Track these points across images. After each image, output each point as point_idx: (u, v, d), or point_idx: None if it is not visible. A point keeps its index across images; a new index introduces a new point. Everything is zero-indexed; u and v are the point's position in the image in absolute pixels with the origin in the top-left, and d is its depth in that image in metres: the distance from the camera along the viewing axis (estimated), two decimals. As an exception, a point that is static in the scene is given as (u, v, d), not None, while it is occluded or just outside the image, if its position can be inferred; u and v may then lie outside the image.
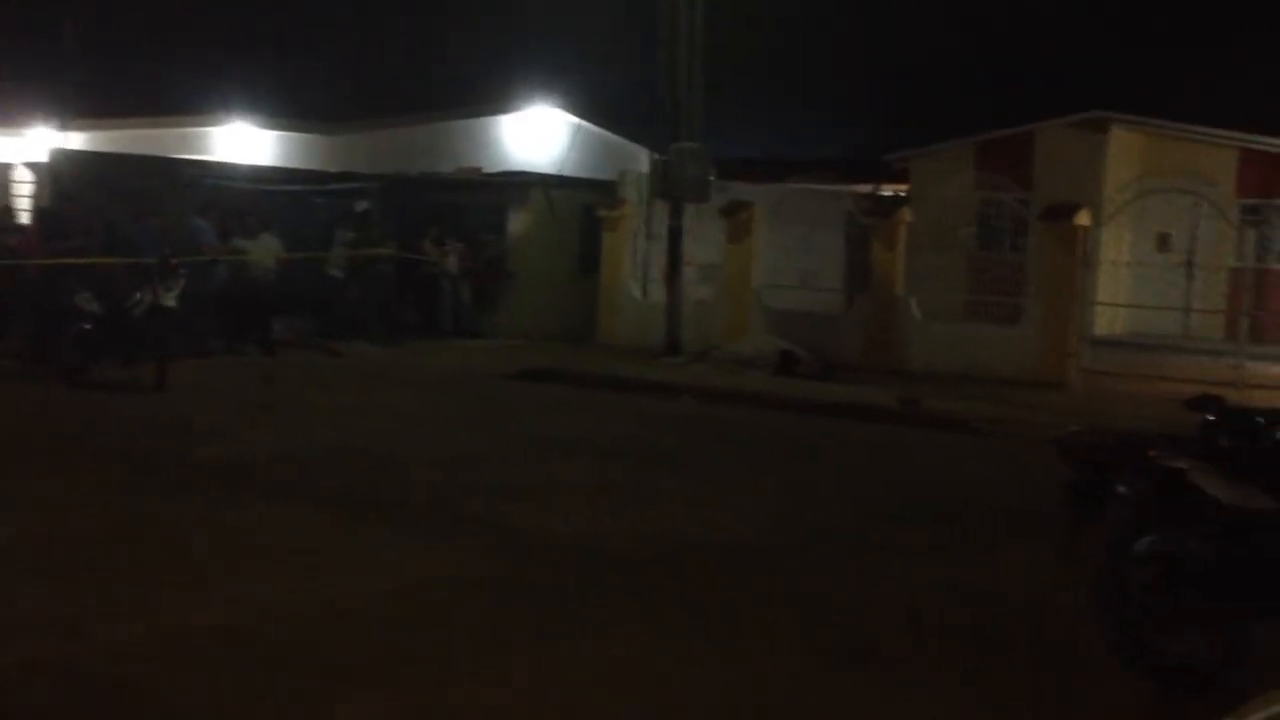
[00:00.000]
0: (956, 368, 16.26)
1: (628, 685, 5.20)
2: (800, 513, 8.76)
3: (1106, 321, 18.77)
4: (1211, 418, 5.52)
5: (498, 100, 28.55)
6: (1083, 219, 16.01)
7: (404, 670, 5.28)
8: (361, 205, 20.02)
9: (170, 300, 13.86)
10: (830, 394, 14.70)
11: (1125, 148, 21.33)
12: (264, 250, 17.80)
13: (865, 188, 26.26)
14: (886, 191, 25.35)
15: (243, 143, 25.43)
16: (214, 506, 8.26)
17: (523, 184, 21.64)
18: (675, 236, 18.21)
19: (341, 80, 30.41)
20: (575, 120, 28.18)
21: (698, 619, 6.13)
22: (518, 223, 21.07)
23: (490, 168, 24.81)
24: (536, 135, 28.18)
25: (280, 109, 26.21)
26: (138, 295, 13.87)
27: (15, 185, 22.02)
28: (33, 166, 21.50)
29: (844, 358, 17.07)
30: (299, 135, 25.84)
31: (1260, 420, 5.45)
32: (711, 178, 18.97)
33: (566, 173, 23.60)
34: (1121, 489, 5.24)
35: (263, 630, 5.74)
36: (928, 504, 9.19)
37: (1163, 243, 21.20)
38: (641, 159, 21.25)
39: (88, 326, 13.79)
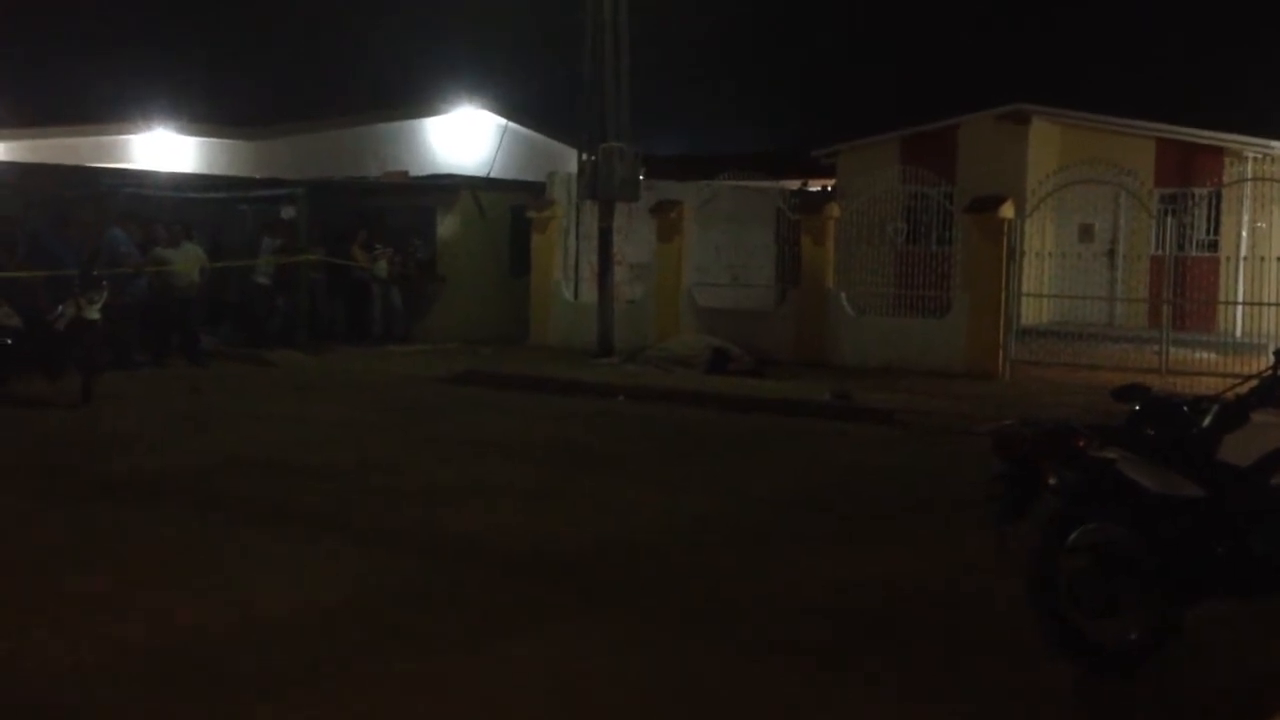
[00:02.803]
0: (887, 361, 16.41)
1: (559, 688, 5.17)
2: (731, 510, 8.78)
3: (1033, 312, 19.02)
4: (1138, 407, 5.60)
5: (423, 102, 28.37)
6: (1006, 211, 16.21)
7: (331, 682, 5.20)
8: (287, 211, 19.76)
9: (93, 313, 13.60)
10: (762, 390, 14.77)
11: (1046, 139, 21.66)
12: (187, 260, 17.52)
13: (794, 183, 26.44)
14: (815, 186, 25.55)
15: (163, 150, 25.01)
16: (138, 520, 8.11)
17: (451, 187, 21.52)
18: (605, 237, 18.19)
19: (264, 84, 30.04)
20: (502, 121, 28.09)
21: (627, 619, 6.11)
22: (446, 226, 20.94)
23: (417, 171, 24.65)
24: (463, 137, 28.04)
25: (202, 115, 25.82)
26: (60, 308, 13.59)
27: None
28: (-54, 178, 21.00)
29: (776, 353, 17.16)
30: (221, 141, 25.48)
31: (1185, 409, 5.54)
32: (641, 177, 18.97)
33: (495, 174, 23.52)
34: (1052, 480, 5.30)
35: (185, 645, 5.63)
36: (858, 498, 9.26)
37: (1085, 233, 21.55)
38: (570, 159, 21.23)
39: (8, 341, 13.48)
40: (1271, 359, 5.66)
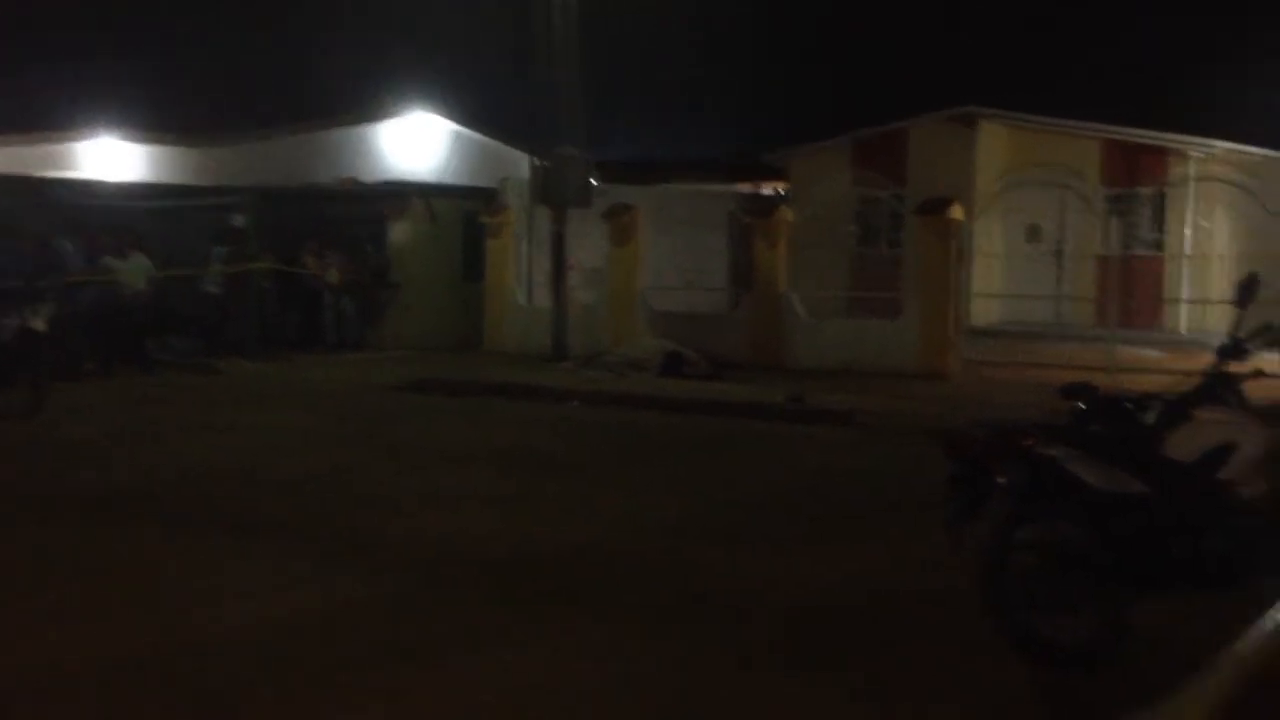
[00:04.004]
0: (841, 363, 16.53)
1: (527, 697, 5.17)
2: (696, 512, 8.79)
3: (984, 312, 19.25)
4: (1084, 405, 5.68)
5: (374, 108, 28.25)
6: (956, 212, 16.38)
7: (302, 695, 5.17)
8: (237, 219, 19.62)
9: (40, 323, 13.43)
10: (717, 393, 14.82)
11: (994, 141, 21.90)
12: (135, 270, 17.35)
13: (747, 187, 26.59)
14: (768, 190, 25.70)
15: (111, 158, 24.77)
16: (90, 534, 8.01)
17: (403, 193, 21.46)
18: (558, 242, 18.21)
19: (213, 91, 29.77)
20: (454, 127, 28.03)
21: (590, 626, 6.12)
22: (399, 232, 20.88)
23: (369, 177, 24.55)
24: (415, 143, 27.95)
25: (150, 122, 25.58)
26: (5, 319, 13.42)
27: None
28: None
29: (730, 357, 17.23)
30: (170, 149, 25.27)
31: (1130, 406, 5.63)
32: (594, 181, 19.00)
33: (447, 180, 23.47)
34: (1001, 479, 5.37)
35: (148, 661, 5.57)
36: (821, 499, 9.33)
37: (1033, 233, 21.80)
38: (523, 164, 21.22)
39: (-47, 353, 13.29)
40: (1214, 356, 5.76)
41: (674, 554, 7.57)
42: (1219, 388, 5.59)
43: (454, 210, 21.11)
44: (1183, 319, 18.96)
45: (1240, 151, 20.73)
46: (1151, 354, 16.30)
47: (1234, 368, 5.68)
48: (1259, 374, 5.80)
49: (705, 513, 8.80)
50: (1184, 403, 5.51)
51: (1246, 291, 5.88)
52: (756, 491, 9.59)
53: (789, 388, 14.55)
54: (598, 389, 15.26)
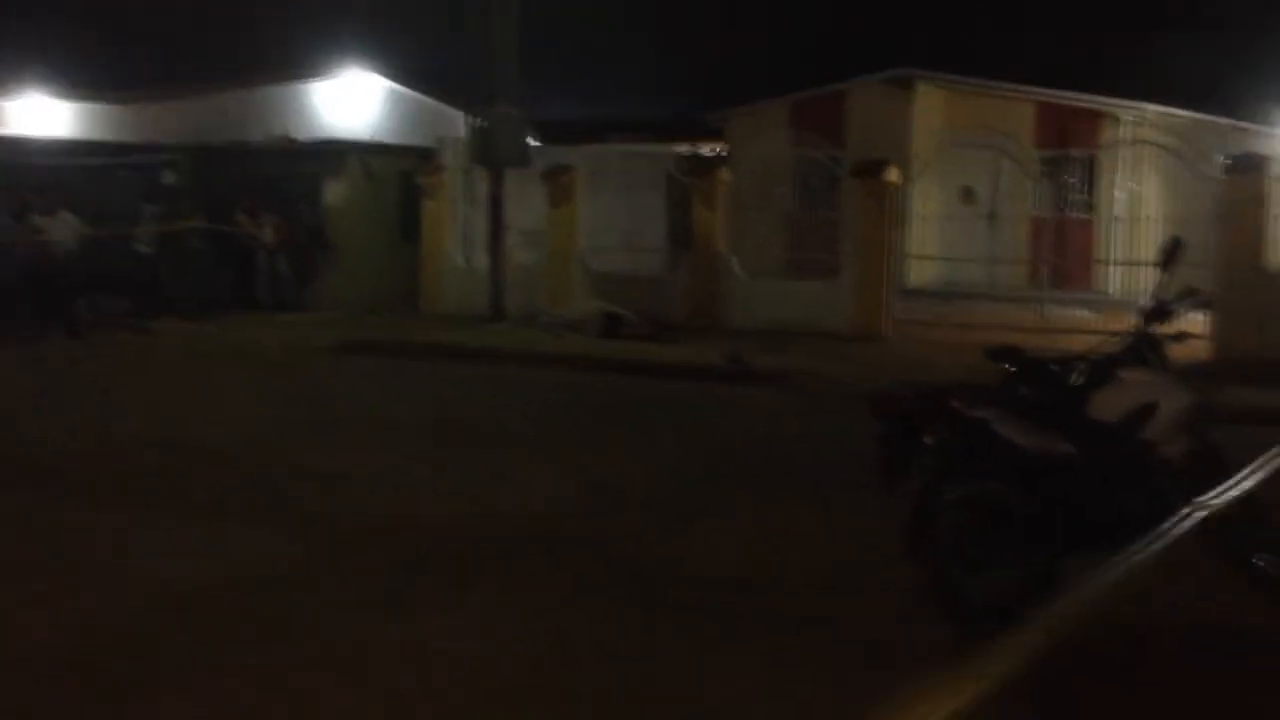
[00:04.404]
0: (778, 323, 16.60)
1: (447, 665, 5.17)
2: (623, 477, 8.76)
3: (919, 273, 19.42)
4: (1011, 368, 5.77)
5: (309, 66, 27.85)
6: (891, 175, 16.48)
7: (212, 666, 5.13)
8: (168, 178, 19.32)
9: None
10: (656, 354, 14.86)
11: (931, 104, 22.02)
12: (64, 228, 17.05)
13: (686, 147, 26.53)
14: (706, 150, 25.66)
15: (39, 115, 24.25)
16: (14, 503, 7.88)
17: (338, 152, 21.19)
18: (496, 202, 18.10)
19: (146, 47, 29.17)
20: (390, 85, 27.72)
21: (509, 594, 6.10)
22: (334, 192, 20.64)
23: (303, 136, 24.23)
24: (351, 101, 27.62)
25: (78, 78, 25.06)
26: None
27: None
28: None
29: (669, 318, 17.25)
30: (99, 106, 24.80)
31: (1055, 368, 5.73)
32: (533, 141, 18.88)
33: (383, 139, 23.21)
34: (929, 440, 5.46)
35: (60, 632, 5.52)
36: (747, 462, 9.38)
37: (967, 195, 21.99)
38: (460, 123, 21.04)
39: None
40: (1138, 318, 5.87)
41: (602, 520, 7.56)
42: (1142, 349, 5.71)
43: (391, 170, 20.89)
44: (1113, 280, 19.25)
45: (1170, 114, 21.01)
46: (1083, 315, 16.55)
47: (1158, 329, 5.79)
48: (1182, 336, 5.91)
49: (637, 477, 8.77)
50: (1108, 364, 5.62)
51: (1170, 255, 6.00)
52: (691, 455, 9.62)
53: (726, 349, 14.60)
54: (535, 350, 15.24)
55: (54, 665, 5.18)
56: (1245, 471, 4.13)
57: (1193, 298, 6.00)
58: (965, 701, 2.26)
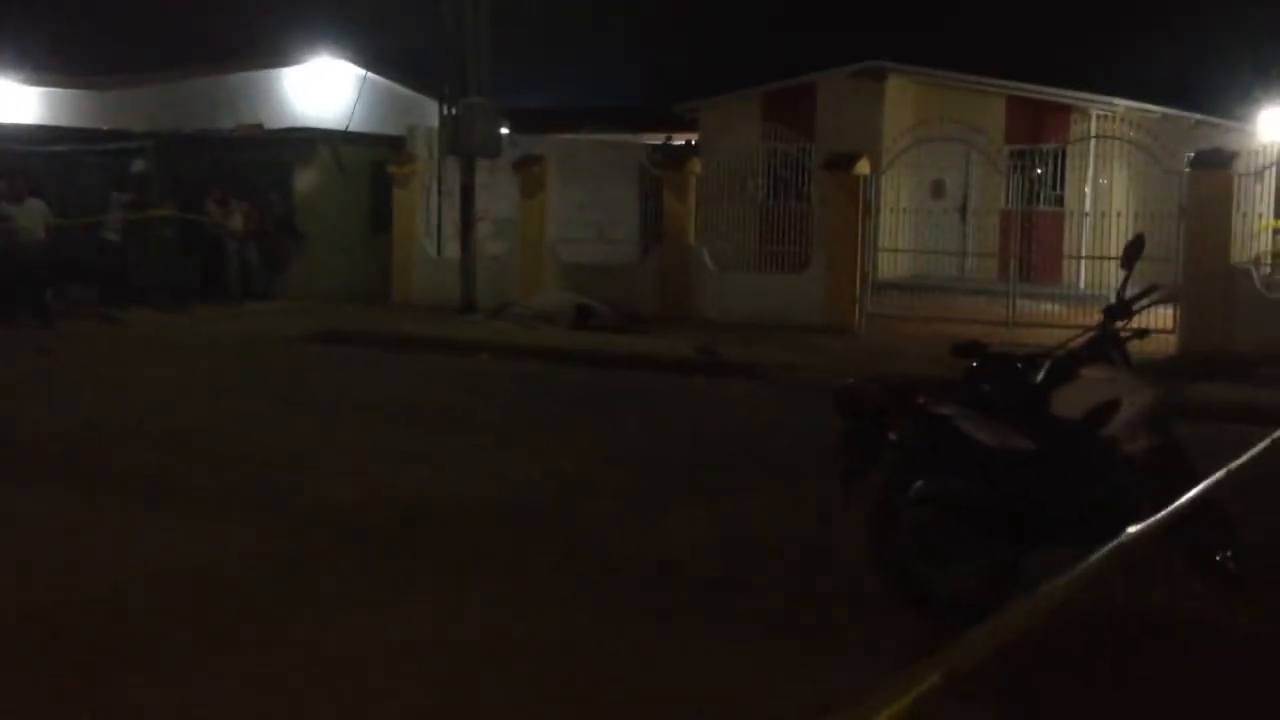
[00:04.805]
0: (749, 315, 16.65)
1: (419, 654, 5.19)
2: (591, 468, 8.77)
3: (890, 266, 19.48)
4: (975, 364, 5.81)
5: (280, 52, 27.68)
6: (862, 167, 16.53)
7: (185, 653, 5.13)
8: (137, 165, 19.19)
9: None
10: (626, 346, 14.87)
11: (902, 96, 22.09)
12: (31, 216, 16.89)
13: (657, 138, 26.54)
14: (679, 141, 25.68)
15: (5, 101, 24.00)
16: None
17: (308, 140, 21.08)
18: (467, 192, 18.06)
19: (112, 32, 28.91)
20: (362, 72, 27.56)
21: (478, 582, 6.12)
22: (305, 181, 20.52)
23: (274, 123, 24.09)
24: (321, 88, 27.47)
25: (46, 63, 24.81)
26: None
27: None
28: None
29: (640, 309, 17.27)
30: (67, 92, 24.58)
31: (1019, 365, 5.76)
32: (505, 131, 18.82)
33: (354, 127, 23.10)
34: (893, 436, 5.49)
35: (31, 619, 5.51)
36: (716, 454, 9.40)
37: (937, 189, 22.08)
38: (433, 111, 20.96)
39: None
40: (1101, 315, 5.92)
41: (570, 511, 7.58)
42: (1105, 346, 5.75)
43: (361, 159, 20.79)
44: (1082, 274, 19.37)
45: (1140, 110, 21.14)
46: (1051, 309, 16.65)
47: (1120, 326, 5.84)
48: (1144, 333, 5.97)
49: (607, 468, 8.77)
50: (1071, 361, 5.67)
51: (1132, 252, 6.05)
52: (659, 447, 9.64)
53: (697, 340, 14.64)
54: (506, 341, 15.23)
55: (40, 647, 5.17)
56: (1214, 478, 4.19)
57: (1154, 295, 6.05)
58: (922, 693, 2.28)
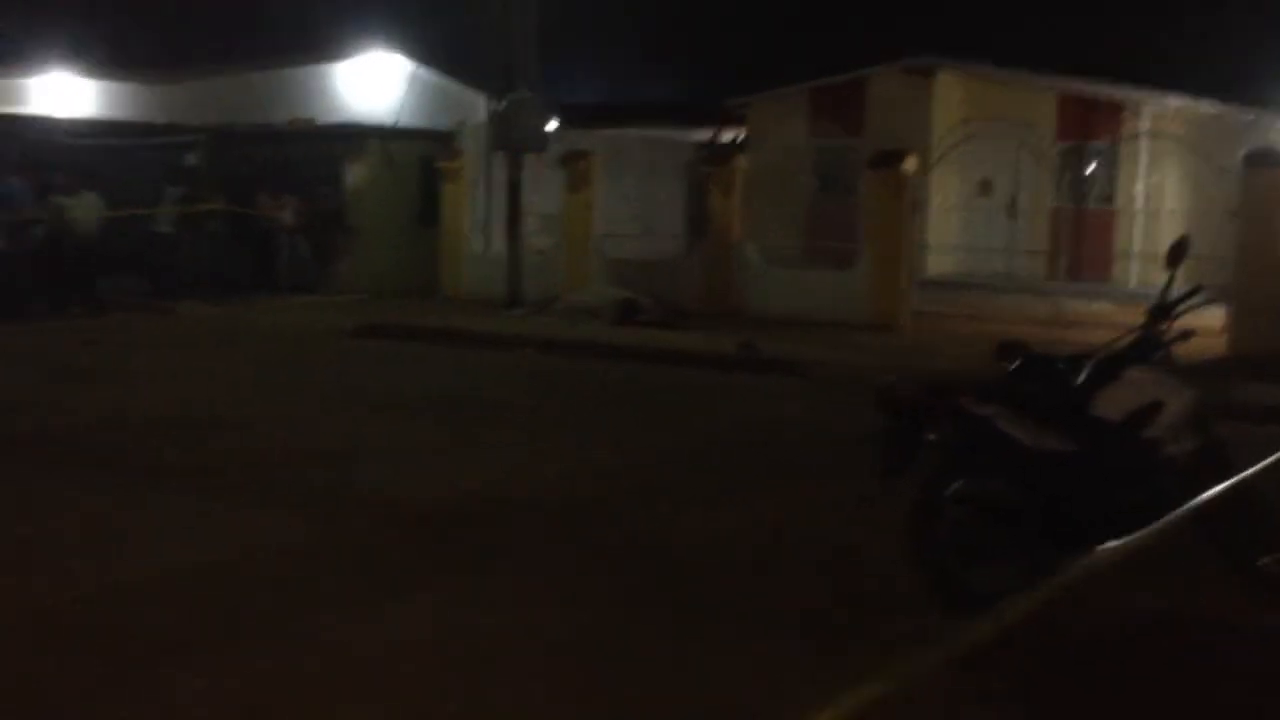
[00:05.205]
0: (794, 312, 16.60)
1: (455, 645, 5.24)
2: (628, 465, 8.79)
3: (938, 264, 19.39)
4: (1017, 364, 5.79)
5: (332, 47, 27.92)
6: (909, 165, 16.44)
7: (227, 642, 5.21)
8: (189, 159, 19.43)
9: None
10: (670, 341, 14.89)
11: (951, 93, 21.93)
12: (85, 208, 17.17)
13: (706, 133, 26.53)
14: (728, 136, 25.65)
15: (62, 94, 24.38)
16: (27, 479, 8.00)
17: (359, 135, 21.26)
18: (514, 187, 18.14)
19: (168, 27, 29.30)
20: (413, 66, 27.74)
21: (534, 576, 6.19)
22: (355, 175, 20.70)
23: (325, 118, 24.32)
24: (372, 83, 27.67)
25: (103, 57, 25.18)
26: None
27: None
28: None
29: (685, 305, 17.27)
30: (123, 85, 24.91)
31: (1061, 366, 5.74)
32: (555, 125, 18.88)
33: (404, 122, 23.27)
34: (932, 436, 5.48)
35: (77, 608, 5.61)
36: (754, 452, 9.39)
37: (984, 187, 21.91)
38: (481, 106, 21.07)
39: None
40: (1145, 316, 5.87)
41: (606, 506, 7.58)
42: (1148, 348, 5.71)
43: (411, 153, 20.94)
44: (1133, 273, 19.18)
45: (1193, 107, 20.90)
46: (1101, 307, 16.49)
47: (1164, 328, 5.80)
48: (1187, 335, 5.92)
49: (646, 464, 8.80)
50: (1113, 362, 5.63)
51: (1177, 253, 6.00)
52: (698, 443, 9.67)
53: (739, 336, 14.62)
54: (550, 336, 15.29)
55: (88, 634, 5.27)
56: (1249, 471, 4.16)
57: (1198, 297, 5.99)
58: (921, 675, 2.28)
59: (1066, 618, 5.63)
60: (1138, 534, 3.46)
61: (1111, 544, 3.34)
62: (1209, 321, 14.15)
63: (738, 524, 7.21)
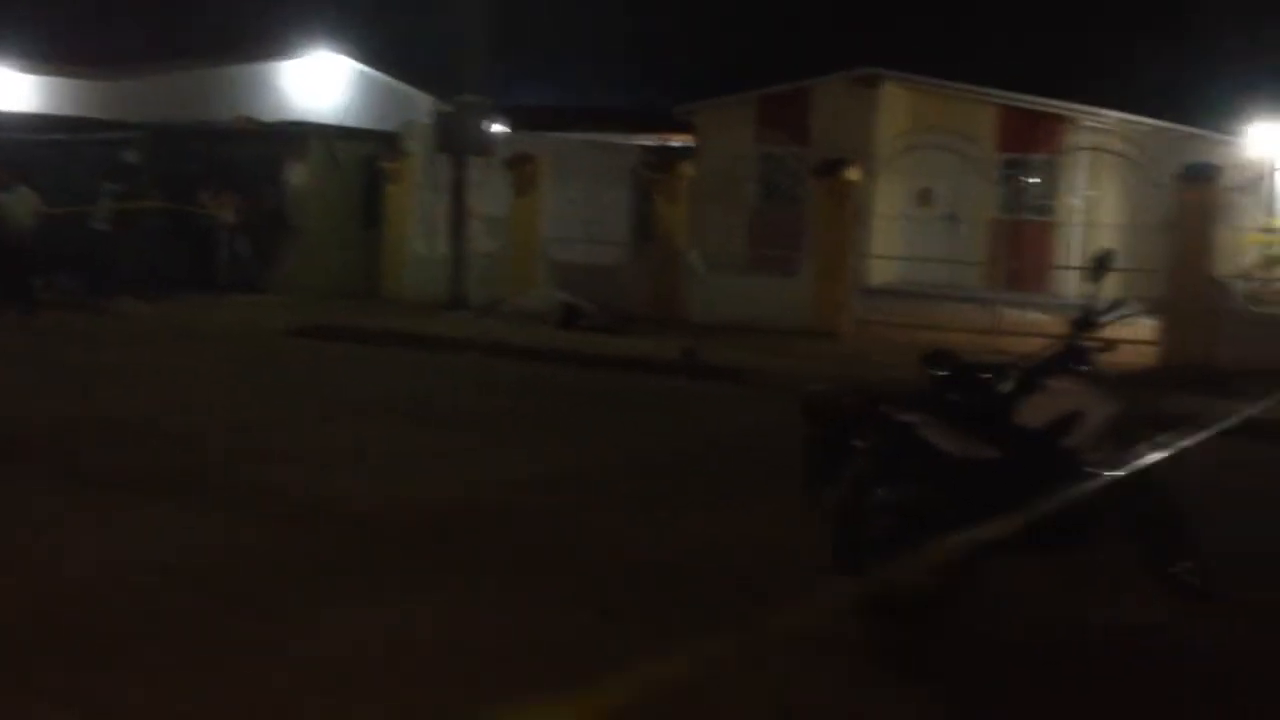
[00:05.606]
0: (737, 319, 16.67)
1: (399, 651, 5.21)
2: (573, 469, 8.81)
3: (882, 272, 19.55)
4: (943, 373, 5.86)
5: (278, 45, 27.70)
6: (852, 174, 16.58)
7: (167, 646, 5.16)
8: (129, 156, 19.20)
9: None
10: (613, 347, 14.90)
11: (895, 103, 22.14)
12: (20, 204, 16.91)
13: (653, 139, 26.61)
14: (675, 143, 25.75)
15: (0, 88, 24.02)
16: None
17: (302, 134, 21.09)
18: (459, 189, 18.10)
19: (110, 21, 28.94)
20: (359, 67, 27.60)
21: (474, 582, 6.15)
22: (298, 175, 20.54)
23: (270, 116, 24.10)
24: (318, 82, 27.48)
25: (42, 51, 24.83)
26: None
27: None
28: None
29: (630, 310, 17.28)
30: (62, 80, 24.57)
31: (986, 375, 5.82)
32: (503, 128, 18.83)
33: (349, 122, 23.15)
34: (858, 443, 5.53)
35: (17, 610, 5.53)
36: (695, 458, 9.44)
37: (924, 197, 22.12)
38: (428, 108, 21.00)
39: None
40: (1069, 327, 5.97)
41: (545, 512, 7.58)
42: (1071, 358, 5.81)
43: (355, 154, 20.82)
44: (1070, 284, 19.44)
45: (1132, 122, 21.23)
46: (1037, 317, 16.70)
47: (1087, 338, 5.89)
48: (1111, 346, 6.02)
49: (585, 470, 8.80)
50: (1037, 372, 5.72)
51: (1100, 266, 6.10)
52: (640, 449, 9.68)
53: (683, 342, 14.66)
54: (493, 340, 15.26)
55: (18, 639, 5.19)
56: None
57: (1122, 309, 6.10)
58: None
59: (987, 625, 5.73)
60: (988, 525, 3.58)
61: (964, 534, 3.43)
62: (1140, 334, 14.39)
63: (687, 532, 7.18)
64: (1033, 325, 16.21)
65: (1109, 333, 6.26)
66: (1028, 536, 5.55)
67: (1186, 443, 4.68)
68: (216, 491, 7.81)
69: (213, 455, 8.80)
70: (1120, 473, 4.84)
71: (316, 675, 4.94)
